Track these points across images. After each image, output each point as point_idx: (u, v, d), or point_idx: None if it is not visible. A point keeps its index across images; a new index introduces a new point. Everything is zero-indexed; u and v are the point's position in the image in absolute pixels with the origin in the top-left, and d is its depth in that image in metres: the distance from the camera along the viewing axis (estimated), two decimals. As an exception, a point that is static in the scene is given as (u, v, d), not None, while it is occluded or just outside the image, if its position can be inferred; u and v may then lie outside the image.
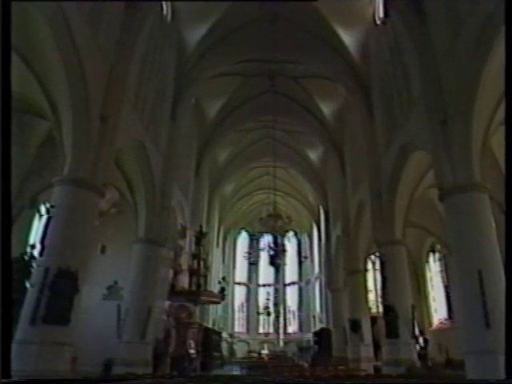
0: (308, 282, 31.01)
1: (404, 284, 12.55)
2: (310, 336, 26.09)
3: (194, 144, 19.18)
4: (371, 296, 19.87)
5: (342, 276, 19.70)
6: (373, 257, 19.83)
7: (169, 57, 14.53)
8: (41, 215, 12.08)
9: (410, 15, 11.06)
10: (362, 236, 17.32)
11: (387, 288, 12.69)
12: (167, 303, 14.57)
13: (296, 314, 31.19)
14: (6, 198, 3.65)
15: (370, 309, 18.15)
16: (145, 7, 10.86)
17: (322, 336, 21.05)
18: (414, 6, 10.86)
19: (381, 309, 15.05)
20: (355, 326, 16.47)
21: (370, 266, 20.49)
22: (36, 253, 8.34)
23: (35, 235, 11.87)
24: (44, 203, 11.64)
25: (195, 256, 14.69)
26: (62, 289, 7.84)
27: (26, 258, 8.64)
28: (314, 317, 27.95)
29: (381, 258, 13.53)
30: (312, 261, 29.76)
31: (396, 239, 12.95)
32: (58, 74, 8.10)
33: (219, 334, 22.99)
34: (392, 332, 11.91)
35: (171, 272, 14.74)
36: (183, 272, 15.13)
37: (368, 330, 16.56)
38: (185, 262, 15.66)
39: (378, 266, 16.25)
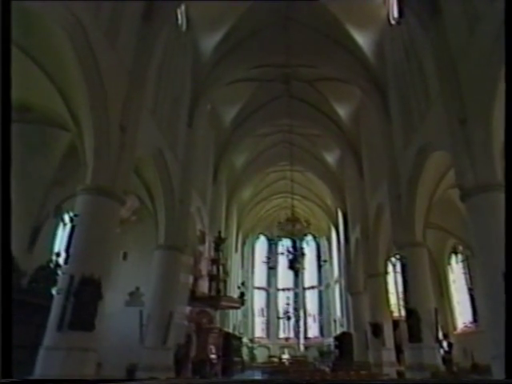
0: (328, 286, 30.79)
1: (426, 287, 12.34)
2: (330, 340, 25.88)
3: (211, 150, 19.38)
4: (392, 299, 19.59)
5: (361, 279, 19.50)
6: (393, 259, 19.56)
7: (185, 65, 14.76)
8: (65, 224, 12.44)
9: (425, 14, 10.95)
10: (382, 238, 17.13)
11: (409, 291, 12.50)
12: (188, 309, 14.71)
13: (316, 318, 30.98)
14: (5, 197, 3.64)
15: (391, 312, 17.89)
16: (160, 18, 11.05)
17: (342, 340, 20.84)
18: (429, 5, 10.76)
19: (403, 312, 14.84)
20: (377, 329, 16.26)
21: (390, 268, 20.23)
22: (61, 260, 8.58)
23: (60, 243, 12.20)
24: (68, 212, 12.01)
25: (214, 261, 14.81)
26: (87, 296, 7.99)
27: (52, 265, 8.93)
28: (335, 321, 27.70)
29: (401, 260, 13.36)
30: (331, 264, 29.55)
31: (416, 241, 12.76)
32: (78, 87, 8.32)
33: (240, 339, 23.01)
34: (415, 336, 11.70)
35: (191, 278, 14.88)
36: (203, 277, 15.26)
37: (390, 334, 16.31)
38: (204, 267, 15.78)
39: (398, 268, 16.05)
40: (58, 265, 8.97)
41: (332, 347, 23.81)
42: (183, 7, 13.66)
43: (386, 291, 17.72)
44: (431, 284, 12.86)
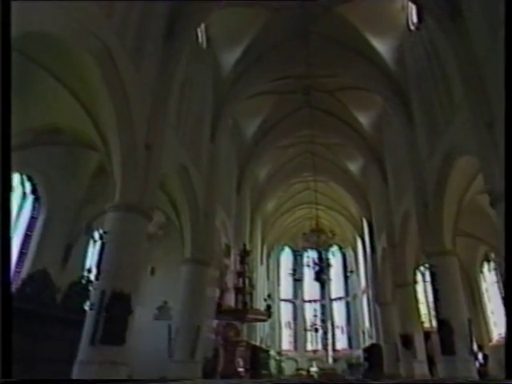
0: (355, 297, 30.25)
1: (458, 296, 11.98)
2: (359, 352, 25.32)
3: (234, 163, 19.60)
4: (423, 309, 19.07)
5: (390, 289, 19.09)
6: (422, 268, 19.13)
7: (206, 81, 15.09)
8: (95, 241, 12.82)
9: (446, 18, 10.87)
10: (409, 247, 16.79)
11: (440, 301, 12.16)
12: (215, 322, 14.75)
13: (344, 329, 30.40)
14: (5, 198, 3.72)
15: (422, 323, 17.41)
16: (182, 38, 11.42)
17: (372, 352, 20.36)
18: (449, 8, 10.68)
19: (434, 323, 14.42)
20: (407, 341, 15.83)
21: (419, 277, 19.76)
22: (92, 276, 8.83)
23: (91, 260, 12.57)
24: (98, 229, 12.39)
25: (240, 274, 14.82)
26: (117, 311, 8.18)
27: (84, 281, 9.20)
28: (363, 332, 27.11)
29: (431, 269, 13.04)
30: (358, 274, 29.07)
31: (446, 249, 12.45)
32: (106, 109, 8.67)
33: (267, 351, 22.81)
34: (448, 348, 11.33)
35: (217, 291, 14.95)
36: (229, 290, 15.30)
37: (421, 345, 15.85)
38: (230, 280, 15.84)
39: (428, 277, 15.65)
40: (89, 281, 9.23)
41: (361, 359, 23.29)
42: (203, 26, 14.02)
43: (416, 301, 17.28)
44: (463, 293, 12.49)
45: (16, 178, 11.11)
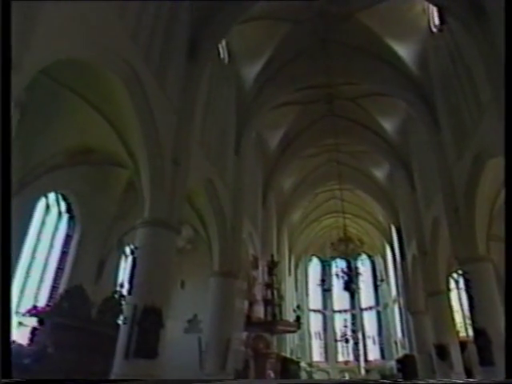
0: (386, 306, 29.57)
1: (494, 304, 11.51)
2: (392, 363, 24.65)
3: (259, 175, 19.74)
4: (458, 318, 18.45)
5: (422, 297, 18.57)
6: (455, 275, 18.56)
7: (229, 95, 15.36)
8: (126, 256, 13.16)
9: (469, 18, 10.71)
10: (441, 253, 16.34)
11: (475, 309, 11.76)
12: (244, 334, 14.75)
13: (376, 339, 29.70)
14: (5, 200, 3.72)
15: (457, 332, 16.83)
16: (204, 55, 11.70)
17: (406, 363, 19.78)
18: (472, 7, 10.52)
19: (470, 332, 13.92)
20: (442, 352, 15.30)
21: (452, 285, 19.17)
22: (125, 291, 9.06)
23: (123, 275, 12.90)
24: (129, 245, 12.72)
25: (268, 286, 14.84)
26: (149, 324, 8.33)
27: (117, 296, 9.44)
28: (396, 342, 26.42)
29: (464, 276, 12.64)
30: (388, 283, 28.43)
31: (479, 255, 12.05)
32: (134, 127, 8.97)
33: (297, 363, 22.56)
34: (486, 359, 10.87)
35: (246, 303, 14.97)
36: (258, 302, 15.30)
37: (458, 356, 15.28)
38: (259, 292, 15.84)
39: (462, 284, 15.17)
40: (122, 295, 9.47)
41: (395, 370, 22.66)
42: (224, 42, 14.32)
43: (450, 310, 16.74)
44: (500, 301, 12.03)
45: (52, 198, 11.57)
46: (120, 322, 8.56)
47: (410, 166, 18.87)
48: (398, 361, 21.75)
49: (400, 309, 24.99)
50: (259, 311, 15.14)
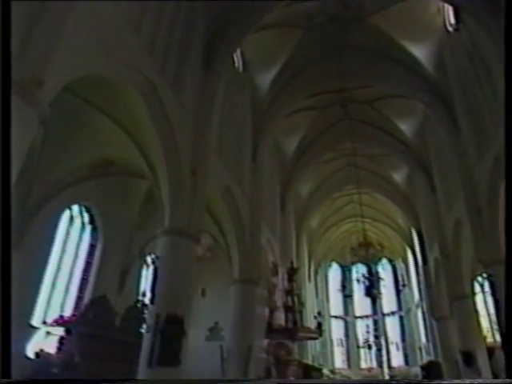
0: (409, 311, 29.01)
1: (522, 308, 11.21)
2: (417, 370, 24.12)
3: (277, 181, 19.78)
4: (484, 323, 17.95)
5: (446, 302, 18.18)
6: (480, 278, 18.12)
7: (244, 103, 15.50)
8: (148, 265, 13.35)
9: (485, 15, 10.58)
10: (464, 256, 15.99)
11: (502, 313, 11.45)
12: (266, 341, 14.71)
13: (399, 345, 29.14)
14: (5, 201, 3.75)
15: (484, 338, 16.37)
16: (219, 65, 11.86)
17: (430, 370, 19.32)
18: (488, 5, 10.38)
19: (498, 338, 13.55)
20: (468, 358, 14.87)
21: (477, 288, 18.71)
22: (147, 300, 9.18)
23: (145, 284, 13.09)
24: (150, 254, 12.92)
25: (289, 292, 14.79)
26: (172, 333, 8.42)
27: (139, 305, 9.59)
28: (420, 348, 25.87)
29: (489, 279, 12.33)
30: (410, 287, 27.93)
31: (504, 257, 11.76)
32: (152, 139, 9.15)
33: (320, 370, 22.30)
34: (514, 365, 10.58)
35: (267, 310, 14.94)
36: (278, 309, 15.25)
37: (485, 362, 14.84)
38: (279, 299, 15.79)
39: (487, 288, 14.80)
40: (144, 304, 9.60)
41: (419, 377, 22.16)
42: (238, 51, 14.47)
43: (476, 314, 16.31)
44: (528, 305, 11.66)
45: (75, 210, 11.88)
46: (143, 330, 8.68)
47: (430, 168, 18.59)
48: (423, 367, 21.28)
49: (423, 314, 24.50)
50: (280, 318, 15.08)
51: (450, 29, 13.92)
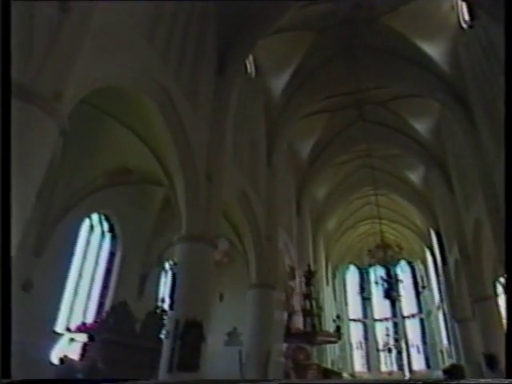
0: (429, 313, 28.51)
1: (547, 309, 10.91)
2: (439, 373, 23.66)
3: (292, 185, 19.78)
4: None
5: (467, 304, 17.82)
6: (502, 279, 17.70)
7: (258, 108, 15.56)
8: (166, 272, 13.50)
9: (499, 9, 10.39)
10: (485, 257, 15.67)
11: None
12: (284, 345, 14.66)
13: (420, 348, 28.63)
14: (5, 198, 3.74)
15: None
16: (232, 72, 11.95)
17: (453, 374, 18.91)
18: (503, 0, 10.21)
19: (523, 340, 13.19)
20: (492, 361, 14.50)
21: (500, 289, 18.27)
22: (166, 306, 9.28)
23: (163, 290, 13.24)
24: (168, 260, 13.07)
25: (306, 296, 14.72)
26: (191, 338, 8.46)
27: (158, 311, 9.69)
28: (442, 351, 25.37)
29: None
30: (430, 289, 27.45)
31: (527, 258, 11.48)
32: (168, 146, 9.28)
33: (339, 374, 22.08)
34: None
35: (285, 314, 14.90)
36: (297, 313, 15.19)
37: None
38: (297, 302, 15.73)
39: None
40: (163, 310, 9.71)
41: (442, 381, 21.71)
42: (251, 57, 14.55)
43: (499, 316, 15.94)
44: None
45: (95, 218, 12.13)
46: (163, 336, 8.77)
47: (447, 167, 18.32)
48: (445, 371, 20.86)
49: (444, 316, 24.06)
50: (298, 322, 15.02)
51: (465, 26, 13.72)
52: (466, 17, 13.45)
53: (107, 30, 6.64)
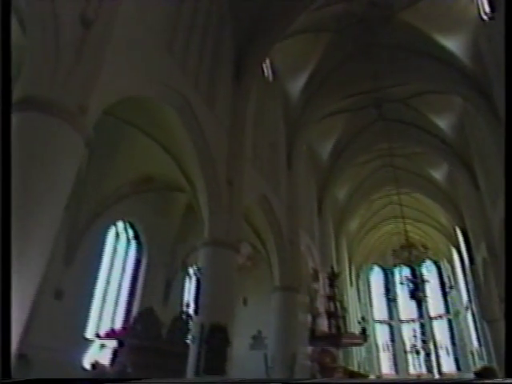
0: (457, 314, 27.79)
1: None
2: (470, 376, 23.01)
3: (313, 187, 19.69)
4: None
5: (497, 303, 17.30)
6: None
7: (276, 112, 15.57)
8: (190, 277, 13.66)
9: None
10: (515, 256, 15.19)
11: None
12: (309, 349, 14.58)
13: (450, 350, 27.93)
14: (5, 200, 3.76)
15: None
16: (249, 76, 12.03)
17: (484, 376, 18.30)
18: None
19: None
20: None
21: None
22: (191, 311, 9.38)
23: (188, 295, 13.39)
24: (191, 265, 13.22)
25: (330, 298, 14.62)
26: (217, 342, 8.53)
27: (184, 316, 9.82)
28: (472, 353, 24.67)
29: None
30: (457, 289, 26.79)
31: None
32: (189, 152, 9.41)
33: (366, 376, 21.78)
34: None
35: (309, 317, 14.83)
36: (321, 315, 15.09)
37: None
38: (321, 305, 15.63)
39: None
40: (189, 315, 9.82)
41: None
42: (268, 61, 14.59)
43: (531, 316, 15.41)
44: None
45: (120, 226, 12.40)
46: (189, 341, 8.86)
47: (472, 164, 17.87)
48: (477, 374, 20.18)
49: (473, 316, 23.43)
50: (323, 324, 14.91)
51: (485, 18, 13.37)
52: (487, 8, 13.12)
53: (127, 42, 6.81)
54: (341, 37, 14.94)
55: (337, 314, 14.31)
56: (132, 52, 6.98)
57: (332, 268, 16.13)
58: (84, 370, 7.74)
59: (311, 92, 16.08)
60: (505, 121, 4.74)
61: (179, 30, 9.17)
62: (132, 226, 12.59)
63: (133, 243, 12.66)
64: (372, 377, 24.51)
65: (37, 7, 5.49)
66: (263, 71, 14.55)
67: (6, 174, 4.01)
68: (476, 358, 23.65)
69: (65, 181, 5.34)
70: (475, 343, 24.08)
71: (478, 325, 21.75)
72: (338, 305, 14.58)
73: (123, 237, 12.42)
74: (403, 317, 30.11)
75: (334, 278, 15.01)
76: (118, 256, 12.01)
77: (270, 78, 15.24)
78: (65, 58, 5.46)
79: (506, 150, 4.87)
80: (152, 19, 7.84)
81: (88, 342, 9.11)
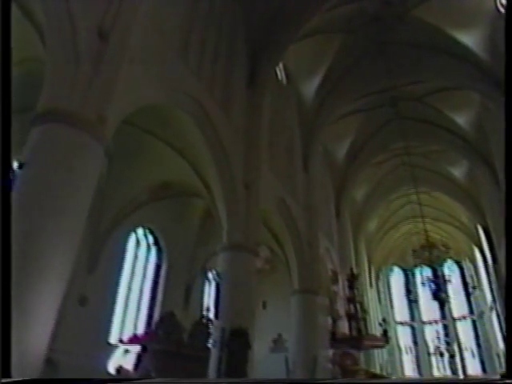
0: (481, 314, 27.12)
1: None
2: (497, 378, 22.40)
3: (330, 188, 19.61)
4: None
5: (524, 303, 16.83)
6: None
7: (291, 114, 15.59)
8: (209, 281, 13.75)
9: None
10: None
11: None
12: (330, 351, 14.47)
13: (475, 352, 27.26)
14: (5, 200, 3.76)
15: None
16: (263, 80, 12.10)
17: (512, 378, 17.89)
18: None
19: None
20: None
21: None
22: (211, 315, 9.44)
23: (208, 299, 13.48)
24: (211, 270, 13.31)
25: (350, 300, 14.49)
26: (237, 346, 8.58)
27: (204, 320, 9.89)
28: (498, 355, 24.03)
29: None
30: (481, 289, 26.15)
31: None
32: (206, 158, 9.51)
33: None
34: None
35: (329, 319, 14.73)
36: (341, 318, 14.97)
37: None
38: (341, 307, 15.51)
39: None
40: (209, 319, 9.88)
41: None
42: (281, 65, 14.63)
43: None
44: None
45: (140, 232, 12.59)
46: (210, 345, 8.91)
47: (492, 161, 17.46)
48: (504, 376, 19.71)
49: (498, 317, 22.84)
50: (344, 327, 14.79)
51: (502, 9, 13.09)
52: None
53: (143, 51, 6.94)
54: (354, 37, 14.86)
55: (357, 316, 14.17)
56: (148, 61, 7.11)
57: (351, 270, 15.99)
58: (109, 374, 7.87)
59: (325, 93, 16.03)
60: (505, 121, 4.63)
61: (193, 37, 9.31)
62: (152, 233, 12.77)
63: (153, 249, 12.84)
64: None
65: (56, 21, 5.66)
66: (277, 75, 14.59)
67: (6, 173, 3.99)
68: (502, 359, 23.03)
69: (86, 190, 5.47)
70: (501, 345, 23.47)
71: (504, 325, 21.18)
72: (358, 307, 14.44)
73: (143, 243, 12.62)
74: (425, 318, 29.53)
75: (353, 280, 14.88)
76: (138, 262, 12.21)
77: (284, 82, 15.27)
78: (83, 70, 5.61)
79: (506, 149, 4.75)
80: (166, 28, 7.98)
81: (112, 347, 9.27)
